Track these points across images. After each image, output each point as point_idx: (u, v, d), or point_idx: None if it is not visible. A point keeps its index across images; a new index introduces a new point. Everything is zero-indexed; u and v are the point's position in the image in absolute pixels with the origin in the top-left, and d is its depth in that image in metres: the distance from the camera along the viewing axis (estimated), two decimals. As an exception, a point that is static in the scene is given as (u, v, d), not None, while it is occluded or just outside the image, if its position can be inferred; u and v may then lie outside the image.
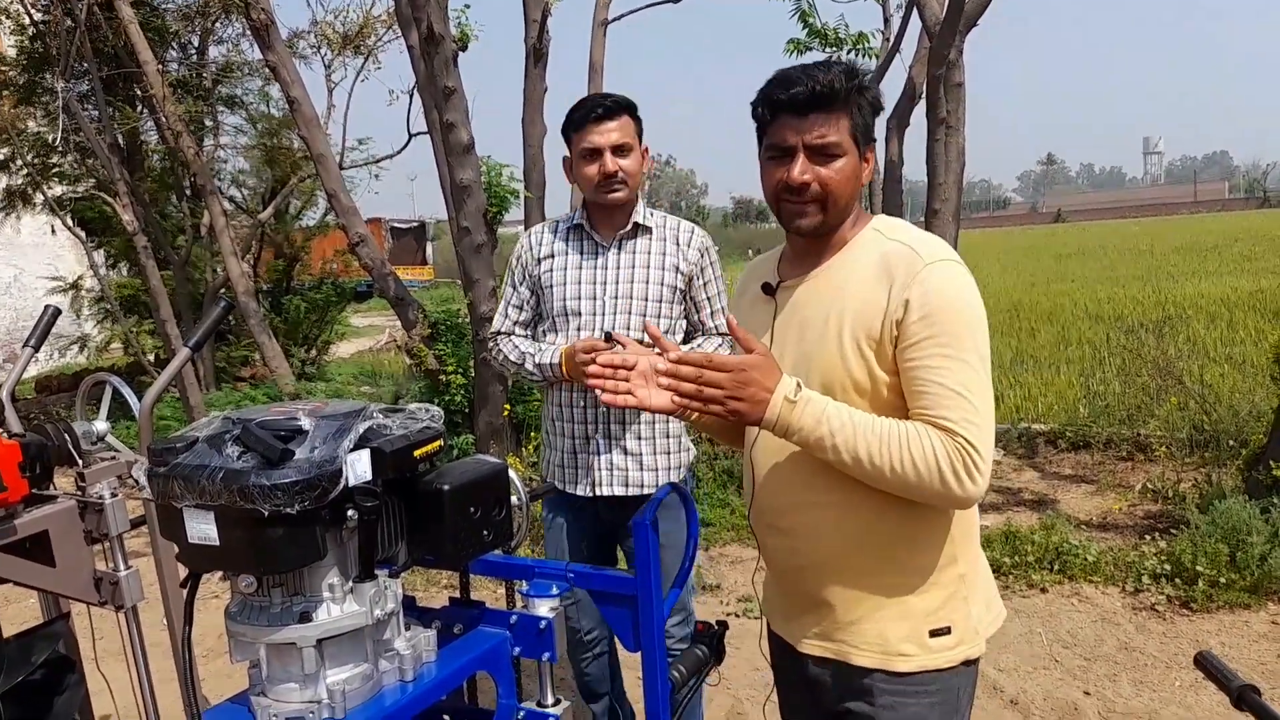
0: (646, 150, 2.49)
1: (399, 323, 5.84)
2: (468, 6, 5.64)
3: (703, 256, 2.52)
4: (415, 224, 37.48)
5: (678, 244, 2.50)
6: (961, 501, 1.46)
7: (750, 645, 3.84)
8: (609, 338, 2.27)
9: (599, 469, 2.47)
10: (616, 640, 2.85)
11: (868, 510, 1.54)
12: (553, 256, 2.51)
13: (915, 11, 5.03)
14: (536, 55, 4.86)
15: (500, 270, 5.09)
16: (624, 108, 2.41)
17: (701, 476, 5.73)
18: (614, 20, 6.36)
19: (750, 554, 4.96)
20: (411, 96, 9.30)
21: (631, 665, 2.88)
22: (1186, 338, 9.10)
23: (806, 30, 7.81)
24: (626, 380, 1.59)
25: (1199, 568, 3.91)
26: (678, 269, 2.48)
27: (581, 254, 2.49)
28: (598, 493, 2.48)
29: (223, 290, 9.66)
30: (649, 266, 2.47)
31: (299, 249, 12.54)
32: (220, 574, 1.32)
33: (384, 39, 10.12)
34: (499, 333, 2.59)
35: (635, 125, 2.43)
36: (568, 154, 2.48)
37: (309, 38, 10.44)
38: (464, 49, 4.72)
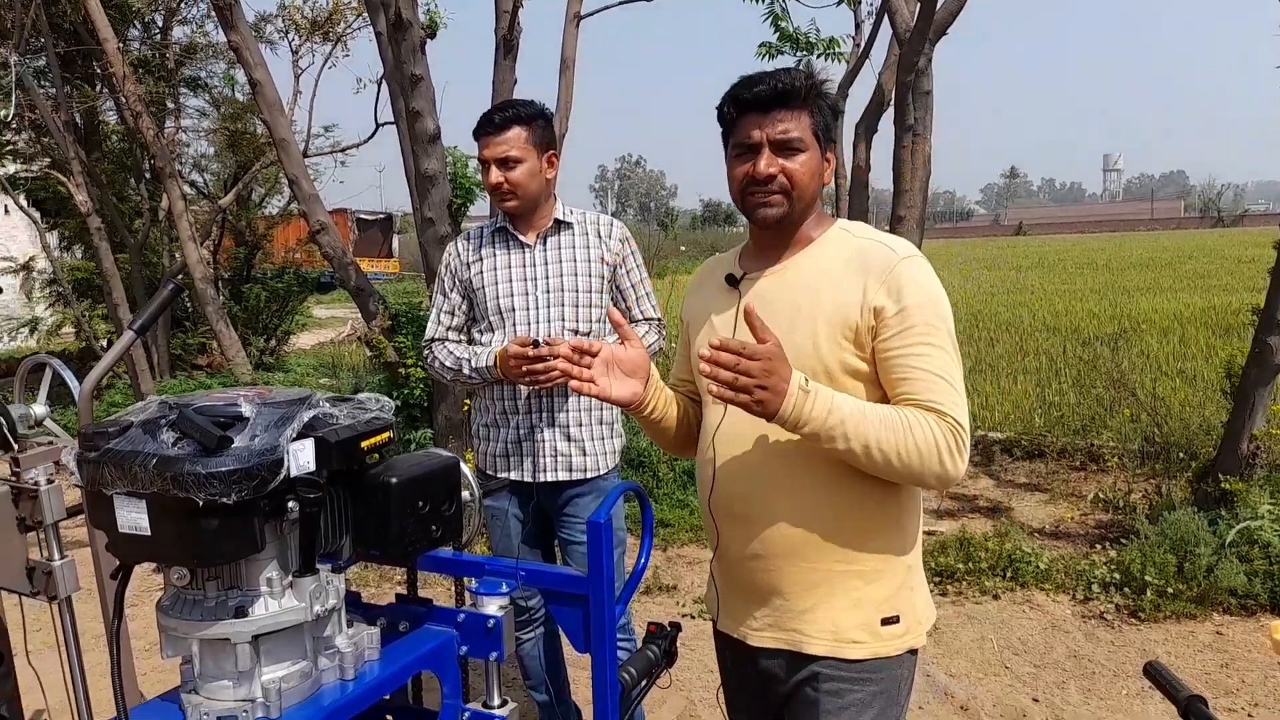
0: (554, 155, 2.56)
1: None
2: (438, -8, 5.57)
3: (624, 245, 2.64)
4: (382, 216, 37.06)
5: (600, 236, 2.61)
6: (952, 479, 1.53)
7: (705, 646, 3.83)
8: (537, 344, 2.37)
9: (543, 455, 2.53)
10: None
11: (827, 498, 1.58)
12: (481, 260, 2.59)
13: (886, 18, 5.05)
14: (507, 47, 4.80)
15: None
16: (515, 119, 2.47)
17: (662, 476, 5.71)
18: (587, 15, 6.30)
19: (708, 555, 4.95)
20: (380, 85, 9.20)
21: (576, 663, 2.85)
22: (1140, 351, 9.26)
23: (778, 34, 7.82)
24: (589, 368, 1.64)
25: (1147, 578, 3.97)
26: (603, 259, 2.59)
27: (509, 254, 2.57)
28: (540, 478, 2.53)
29: (179, 275, 9.46)
30: (575, 260, 2.57)
31: (261, 237, 12.34)
32: (152, 566, 1.27)
33: (353, 26, 10.00)
34: (433, 340, 2.66)
35: (530, 134, 2.48)
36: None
37: (276, 22, 10.29)
38: (432, 36, 4.65)
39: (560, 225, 2.59)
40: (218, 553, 1.17)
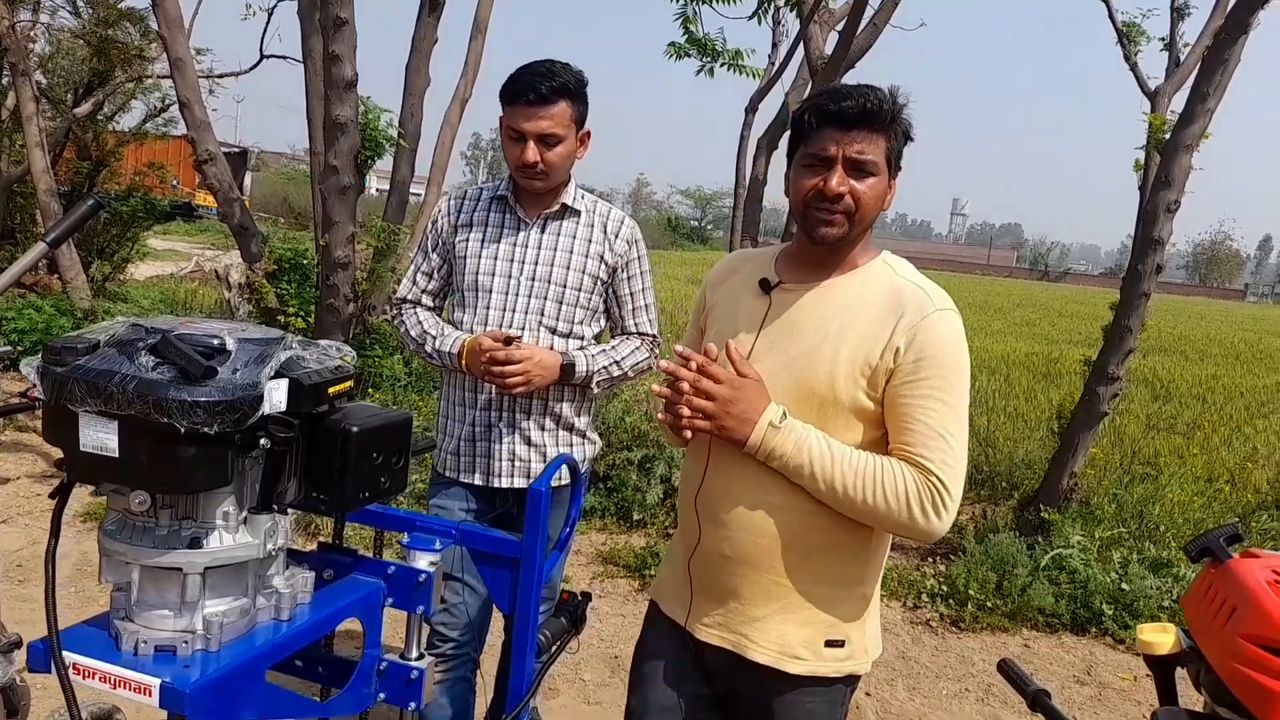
0: (588, 133, 2.31)
1: (207, 252, 5.46)
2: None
3: (630, 249, 2.38)
4: (236, 150, 34.95)
5: (605, 231, 2.35)
6: (925, 534, 1.57)
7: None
8: (509, 341, 2.18)
9: (499, 459, 2.32)
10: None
11: (805, 516, 1.61)
12: (470, 226, 2.34)
13: (802, 43, 5.28)
14: (432, 4, 4.70)
15: (364, 218, 4.89)
16: (564, 91, 2.18)
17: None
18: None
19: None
20: (270, 16, 8.75)
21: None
22: (973, 387, 10.02)
23: (686, 37, 7.96)
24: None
25: (970, 591, 4.35)
26: (602, 258, 2.34)
27: (502, 227, 2.33)
28: (495, 484, 2.33)
29: (16, 186, 8.67)
30: (572, 251, 2.31)
31: (108, 153, 11.40)
32: (95, 487, 1.24)
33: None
34: (405, 300, 2.43)
35: (573, 109, 2.22)
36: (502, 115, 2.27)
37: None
38: (362, -19, 4.50)
39: (566, 210, 2.33)
40: (189, 481, 1.16)
